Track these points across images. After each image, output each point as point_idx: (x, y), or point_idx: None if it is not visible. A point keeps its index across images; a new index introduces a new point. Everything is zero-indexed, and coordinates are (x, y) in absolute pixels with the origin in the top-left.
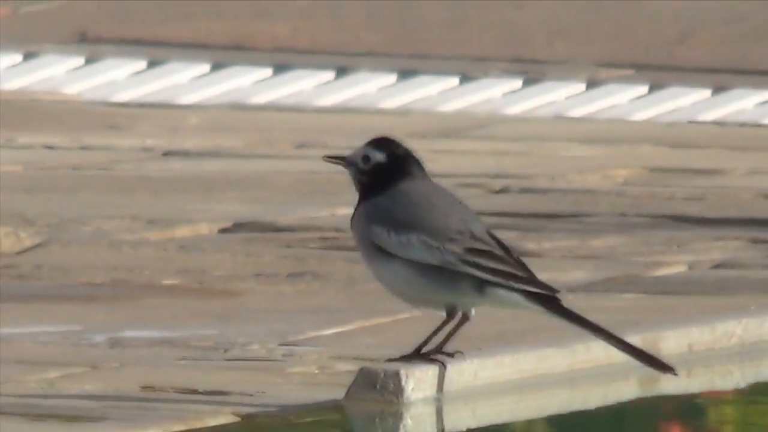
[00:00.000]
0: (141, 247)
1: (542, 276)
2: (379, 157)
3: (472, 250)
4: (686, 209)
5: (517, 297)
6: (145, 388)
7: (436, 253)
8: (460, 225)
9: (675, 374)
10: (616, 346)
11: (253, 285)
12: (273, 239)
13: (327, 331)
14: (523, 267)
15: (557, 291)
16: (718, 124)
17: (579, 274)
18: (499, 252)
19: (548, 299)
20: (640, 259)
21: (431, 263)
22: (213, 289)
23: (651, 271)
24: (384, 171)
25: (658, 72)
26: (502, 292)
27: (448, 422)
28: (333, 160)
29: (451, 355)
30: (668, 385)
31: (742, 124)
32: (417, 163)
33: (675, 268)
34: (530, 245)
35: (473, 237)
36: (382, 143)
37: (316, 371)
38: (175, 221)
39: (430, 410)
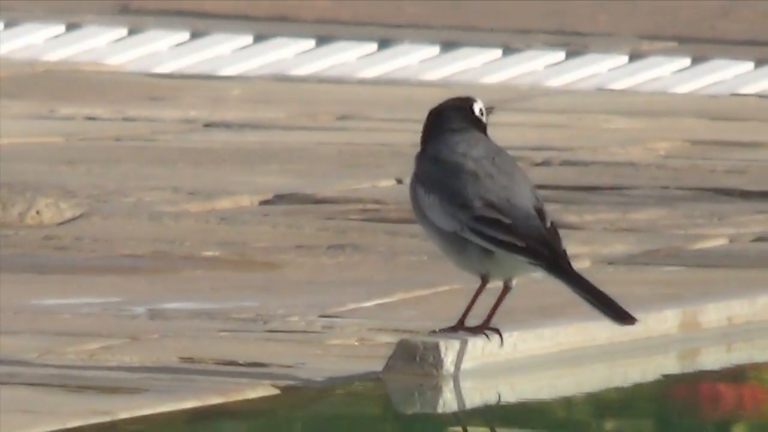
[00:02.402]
0: (182, 218)
1: (583, 249)
2: (433, 110)
3: (479, 218)
4: (727, 182)
5: (515, 262)
6: (185, 359)
7: (447, 219)
8: (483, 191)
9: (633, 323)
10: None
11: (294, 257)
12: (314, 211)
13: (367, 303)
14: (544, 239)
15: (561, 258)
16: (761, 96)
17: (619, 247)
18: (507, 221)
19: (551, 263)
20: (680, 232)
21: (444, 228)
22: (253, 261)
23: (692, 244)
24: (434, 125)
25: (701, 45)
26: (502, 258)
27: (487, 395)
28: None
29: (495, 329)
30: (708, 359)
31: None
32: (465, 116)
33: (716, 241)
34: (571, 218)
35: (489, 205)
36: (450, 100)
37: (356, 343)
38: (217, 193)
39: (469, 383)
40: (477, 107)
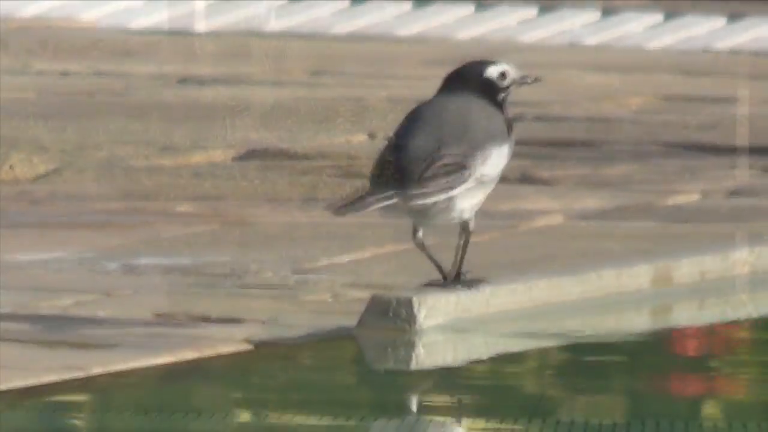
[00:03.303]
0: (155, 173)
1: (555, 204)
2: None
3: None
4: (700, 137)
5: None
6: (158, 315)
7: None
8: (386, 151)
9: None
10: None
11: (267, 212)
12: (287, 167)
13: (340, 258)
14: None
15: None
16: (733, 51)
17: (592, 202)
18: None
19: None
20: (653, 187)
21: None
22: (227, 216)
23: (664, 199)
24: (440, 87)
25: (673, 0)
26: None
27: (461, 350)
28: None
29: (481, 280)
30: (680, 314)
31: (757, 53)
32: (469, 79)
33: (688, 196)
34: (544, 173)
35: (381, 161)
36: (466, 63)
37: (330, 299)
38: (190, 148)
39: (442, 338)
40: (494, 70)
